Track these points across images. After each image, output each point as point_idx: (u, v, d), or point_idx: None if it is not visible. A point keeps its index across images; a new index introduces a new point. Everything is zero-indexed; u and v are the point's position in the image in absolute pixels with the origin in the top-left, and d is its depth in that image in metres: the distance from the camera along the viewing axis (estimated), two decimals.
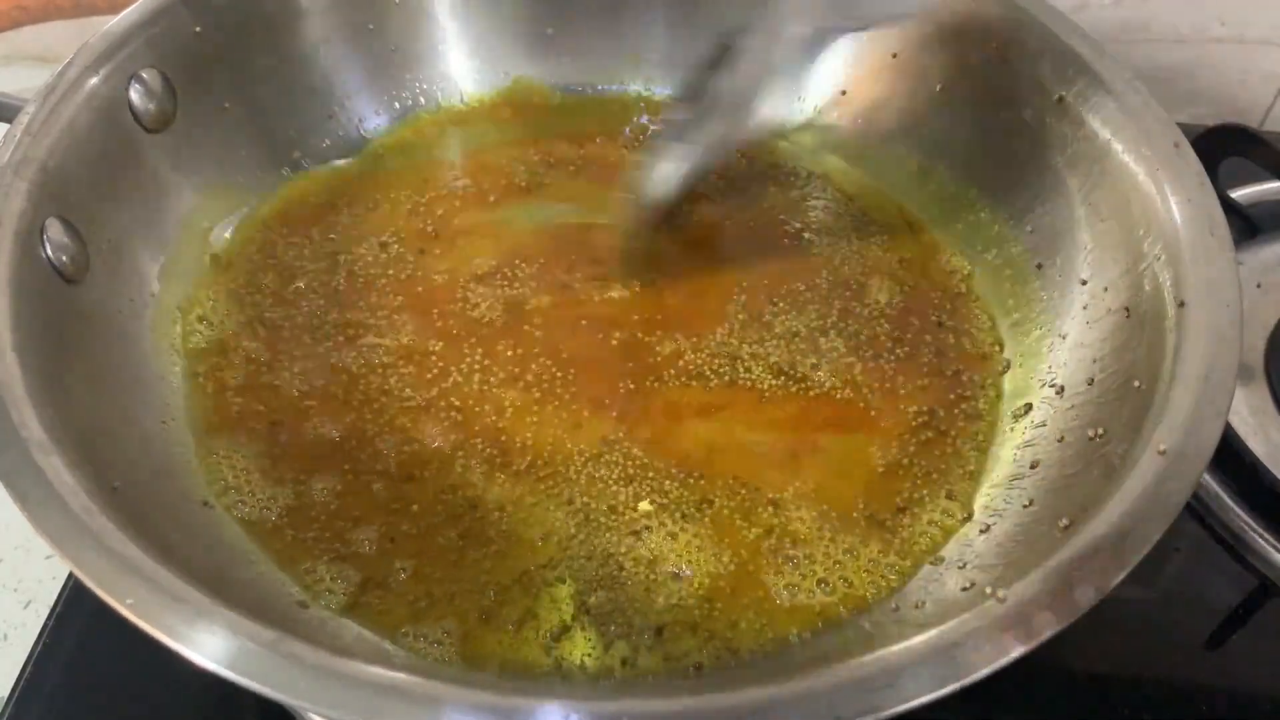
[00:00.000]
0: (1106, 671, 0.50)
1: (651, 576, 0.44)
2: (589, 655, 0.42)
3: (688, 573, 0.44)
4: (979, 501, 0.47)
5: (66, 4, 0.81)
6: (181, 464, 0.46)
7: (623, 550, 0.45)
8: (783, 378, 0.52)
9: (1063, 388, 0.49)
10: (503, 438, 0.49)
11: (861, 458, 0.49)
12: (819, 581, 0.44)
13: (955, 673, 0.31)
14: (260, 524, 0.45)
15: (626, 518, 0.46)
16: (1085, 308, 0.50)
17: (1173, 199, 0.46)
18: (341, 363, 0.52)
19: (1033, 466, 0.47)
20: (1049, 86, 0.53)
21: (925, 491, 0.48)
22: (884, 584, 0.44)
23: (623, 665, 0.42)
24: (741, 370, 0.52)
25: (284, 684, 0.30)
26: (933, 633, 0.32)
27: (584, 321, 0.54)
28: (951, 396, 0.52)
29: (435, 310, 0.54)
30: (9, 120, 0.45)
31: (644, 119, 0.66)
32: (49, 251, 0.43)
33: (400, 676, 0.30)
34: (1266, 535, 0.53)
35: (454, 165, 0.63)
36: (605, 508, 0.47)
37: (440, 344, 0.53)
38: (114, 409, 0.44)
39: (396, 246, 0.57)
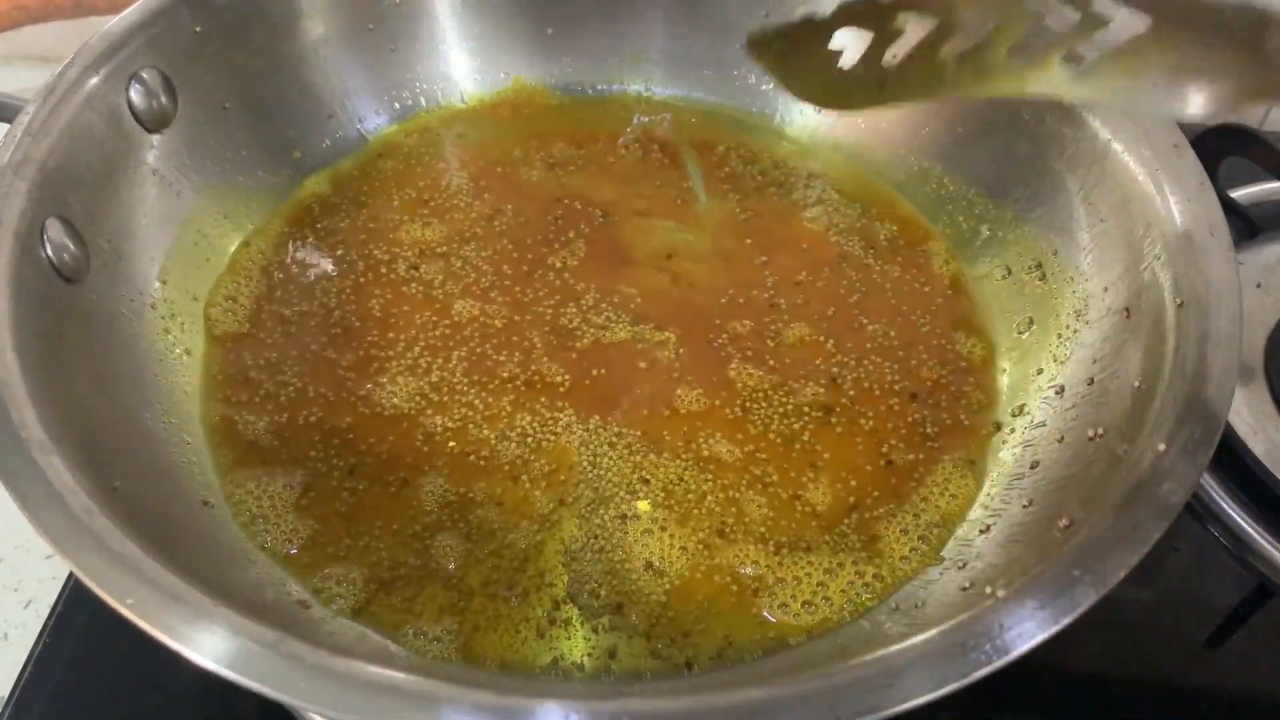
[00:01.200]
0: (1106, 671, 0.50)
1: (636, 566, 0.45)
2: (588, 655, 0.42)
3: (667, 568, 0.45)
4: (978, 501, 0.48)
5: (66, 4, 0.81)
6: (181, 464, 0.46)
7: (616, 542, 0.45)
8: (778, 378, 0.52)
9: (1063, 388, 0.49)
10: (507, 436, 0.49)
11: (859, 459, 0.49)
12: (804, 603, 0.44)
13: (955, 673, 0.31)
14: (262, 523, 0.45)
15: (622, 511, 0.46)
16: (1085, 308, 0.50)
17: (1173, 199, 0.46)
18: (341, 362, 0.52)
19: (1033, 466, 0.47)
20: None
21: (922, 490, 0.48)
22: (862, 599, 0.44)
23: (610, 658, 0.42)
24: (736, 370, 0.52)
25: (284, 684, 0.30)
26: (933, 633, 0.32)
27: (584, 320, 0.54)
28: (947, 397, 0.52)
29: (435, 311, 0.54)
30: (9, 120, 0.45)
31: (644, 119, 0.66)
32: (49, 251, 0.43)
33: (400, 676, 0.31)
34: (1266, 535, 0.53)
35: (454, 165, 0.63)
36: (603, 506, 0.47)
37: (440, 343, 0.53)
38: (114, 409, 0.44)
39: (396, 246, 0.57)
